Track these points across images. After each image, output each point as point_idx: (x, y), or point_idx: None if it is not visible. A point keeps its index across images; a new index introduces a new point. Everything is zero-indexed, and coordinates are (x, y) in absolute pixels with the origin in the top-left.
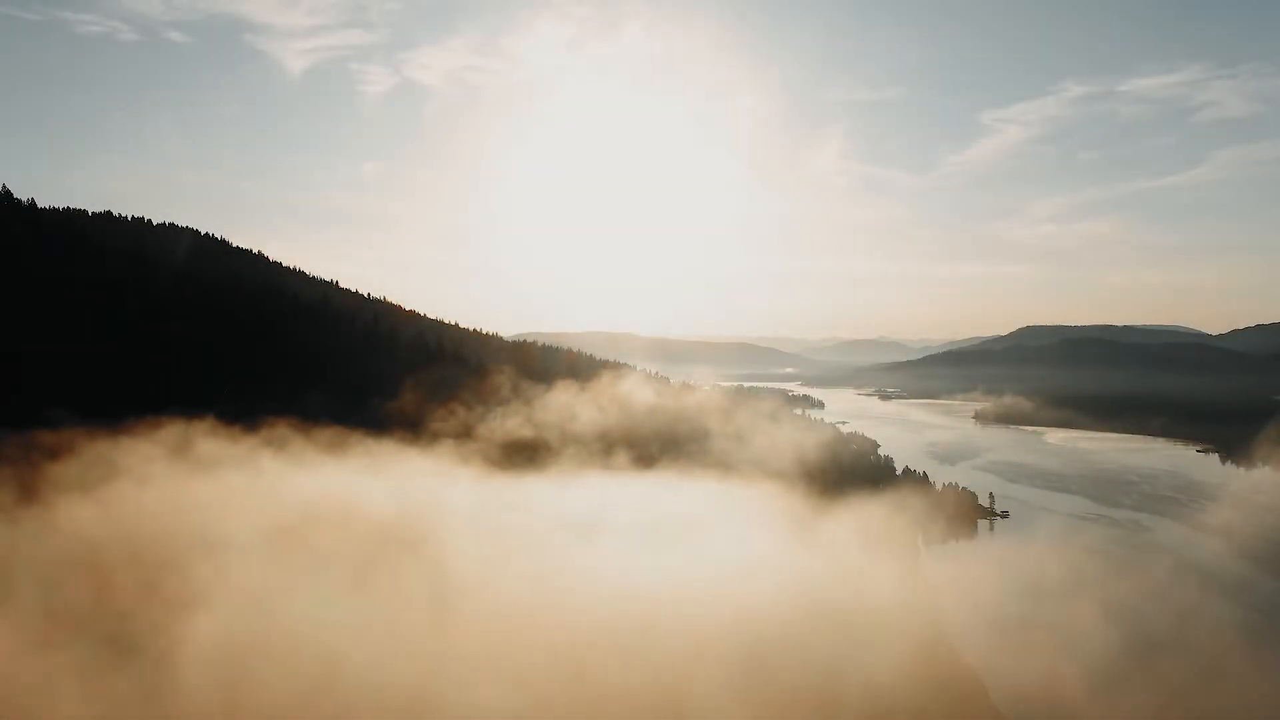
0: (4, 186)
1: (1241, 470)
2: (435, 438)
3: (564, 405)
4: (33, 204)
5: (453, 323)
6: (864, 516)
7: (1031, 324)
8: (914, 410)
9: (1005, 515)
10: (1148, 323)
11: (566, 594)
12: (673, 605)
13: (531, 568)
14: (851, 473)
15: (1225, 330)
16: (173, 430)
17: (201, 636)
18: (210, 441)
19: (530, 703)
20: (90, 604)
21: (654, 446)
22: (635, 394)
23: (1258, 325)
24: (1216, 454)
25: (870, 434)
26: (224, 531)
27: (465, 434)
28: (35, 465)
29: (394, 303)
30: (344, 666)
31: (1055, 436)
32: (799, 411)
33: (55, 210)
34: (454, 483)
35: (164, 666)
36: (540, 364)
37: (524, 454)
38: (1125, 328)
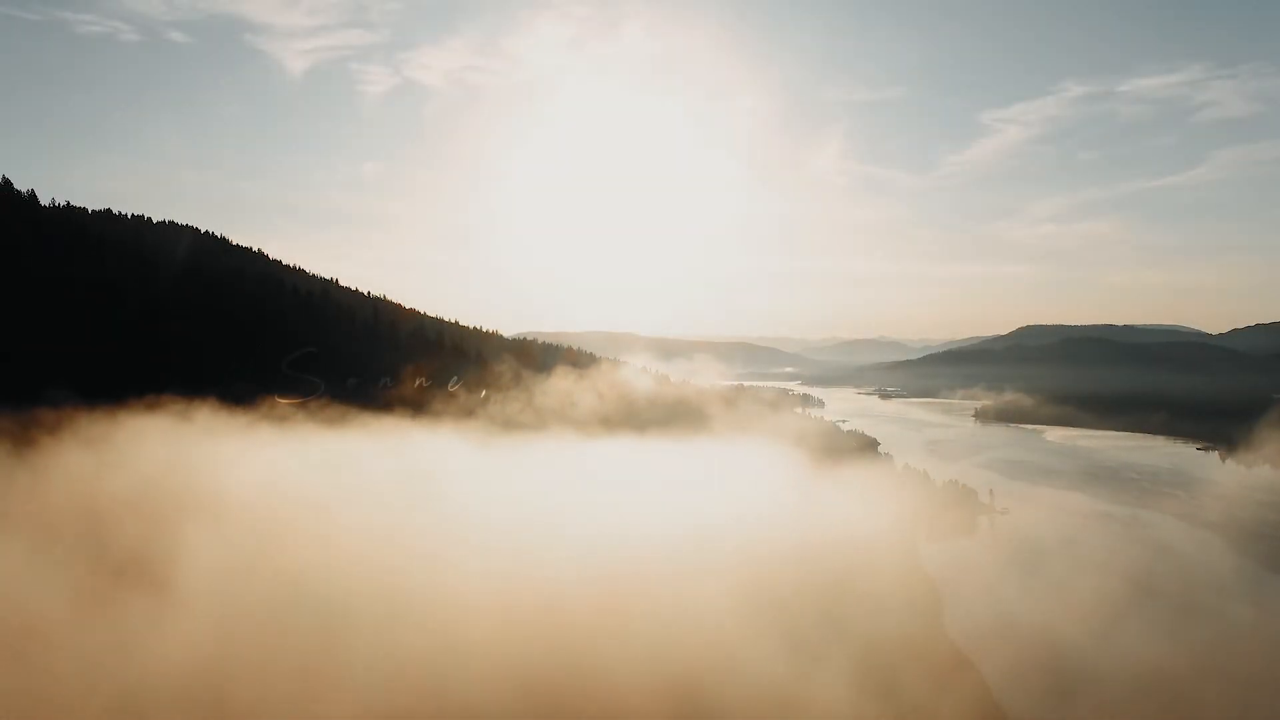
0: (4, 177)
1: (1241, 468)
2: (437, 418)
3: (564, 391)
4: (33, 195)
5: (453, 320)
6: (864, 479)
7: (1031, 324)
8: (914, 409)
9: (1005, 512)
10: (1148, 322)
11: (574, 524)
12: (678, 532)
13: (540, 505)
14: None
15: (1225, 330)
16: (174, 408)
17: (199, 565)
18: (211, 416)
19: (542, 615)
20: (89, 537)
21: (654, 431)
22: (636, 383)
23: (1258, 325)
24: (1216, 451)
25: (870, 431)
26: (224, 479)
27: (466, 415)
28: (34, 437)
29: (394, 300)
30: (345, 591)
31: (1055, 434)
32: (799, 410)
33: (55, 207)
34: (456, 446)
35: (164, 590)
36: (540, 360)
37: (526, 431)
38: (1125, 327)
